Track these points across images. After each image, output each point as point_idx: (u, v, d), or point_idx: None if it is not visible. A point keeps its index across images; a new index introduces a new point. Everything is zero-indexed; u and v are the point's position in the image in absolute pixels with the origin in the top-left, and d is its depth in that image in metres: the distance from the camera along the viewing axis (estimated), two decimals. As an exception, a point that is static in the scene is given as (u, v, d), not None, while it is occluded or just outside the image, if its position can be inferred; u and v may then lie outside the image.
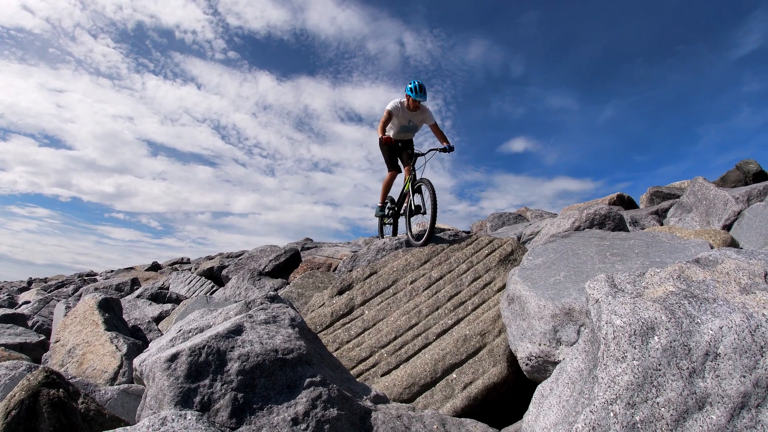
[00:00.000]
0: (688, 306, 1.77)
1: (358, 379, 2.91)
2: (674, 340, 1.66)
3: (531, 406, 2.27)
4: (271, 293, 2.88)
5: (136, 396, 2.96)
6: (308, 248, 9.71)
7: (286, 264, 7.87)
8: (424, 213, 5.70)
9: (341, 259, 7.49)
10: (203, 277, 8.81)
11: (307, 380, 2.05)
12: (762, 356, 1.55)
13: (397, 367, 3.38)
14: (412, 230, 5.75)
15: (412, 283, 4.31)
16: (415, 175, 6.10)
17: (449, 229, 6.44)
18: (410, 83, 5.96)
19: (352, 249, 8.88)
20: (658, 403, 1.56)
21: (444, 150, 6.12)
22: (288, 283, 6.83)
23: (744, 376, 1.54)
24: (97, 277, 16.32)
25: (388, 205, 6.92)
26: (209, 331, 2.26)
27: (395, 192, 6.76)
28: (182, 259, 17.87)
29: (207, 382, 1.88)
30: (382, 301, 4.14)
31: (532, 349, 2.72)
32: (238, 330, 2.17)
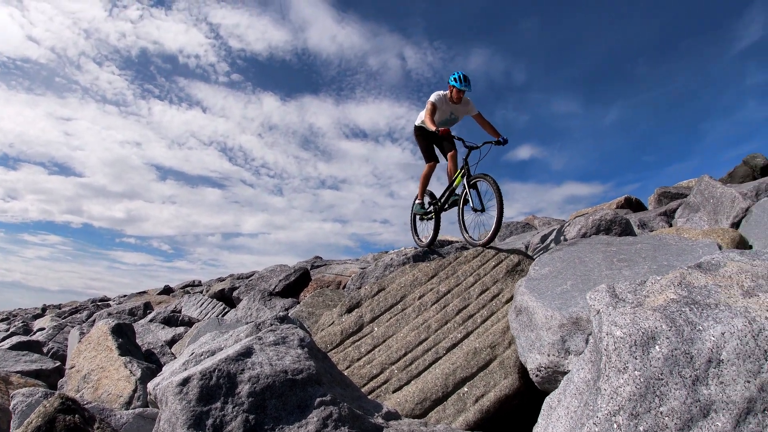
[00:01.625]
0: (689, 313, 1.77)
1: (369, 396, 2.92)
2: (675, 349, 1.66)
3: (540, 418, 2.27)
4: (281, 314, 2.92)
5: (150, 420, 2.97)
6: (318, 266, 9.75)
7: (296, 283, 7.95)
8: (483, 211, 5.34)
9: (350, 276, 7.53)
10: (215, 299, 8.86)
11: (318, 400, 2.07)
12: (767, 360, 1.55)
13: (408, 382, 3.39)
14: (466, 227, 5.45)
15: (420, 298, 4.32)
16: (469, 170, 5.55)
17: (457, 241, 6.45)
18: (453, 74, 5.65)
19: (361, 265, 8.91)
20: (661, 413, 1.56)
21: (499, 143, 5.71)
22: (298, 302, 6.86)
23: (748, 381, 1.54)
24: (111, 302, 16.43)
25: (428, 200, 6.36)
26: (220, 354, 2.30)
27: (434, 187, 6.28)
28: (194, 281, 17.93)
29: (218, 404, 1.91)
30: (391, 318, 4.15)
31: (542, 360, 2.72)
32: (247, 352, 2.21)
